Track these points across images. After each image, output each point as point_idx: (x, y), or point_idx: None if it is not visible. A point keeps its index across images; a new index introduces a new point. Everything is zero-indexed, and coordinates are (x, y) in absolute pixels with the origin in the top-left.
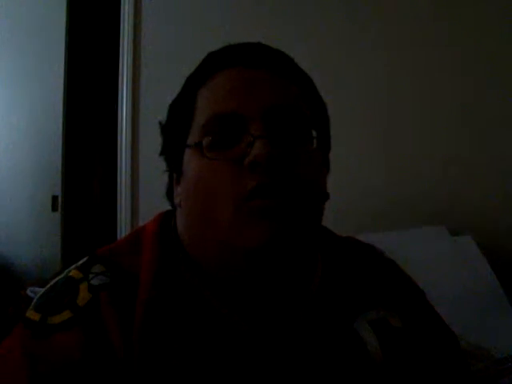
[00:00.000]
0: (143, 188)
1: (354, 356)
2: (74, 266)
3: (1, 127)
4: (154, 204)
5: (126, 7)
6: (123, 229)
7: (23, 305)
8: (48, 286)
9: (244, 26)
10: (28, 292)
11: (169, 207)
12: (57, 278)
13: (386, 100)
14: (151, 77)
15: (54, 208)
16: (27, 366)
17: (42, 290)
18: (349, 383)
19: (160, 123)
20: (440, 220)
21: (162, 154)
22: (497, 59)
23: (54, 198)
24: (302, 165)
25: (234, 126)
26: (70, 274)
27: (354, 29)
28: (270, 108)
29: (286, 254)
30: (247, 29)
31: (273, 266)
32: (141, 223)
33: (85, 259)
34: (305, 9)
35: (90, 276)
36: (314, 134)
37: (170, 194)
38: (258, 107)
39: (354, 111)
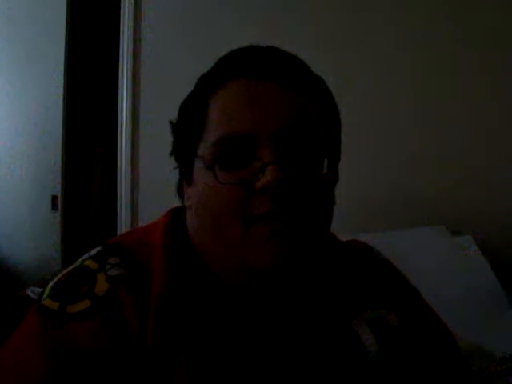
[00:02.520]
0: (143, 188)
1: (352, 355)
2: (87, 256)
3: (1, 127)
4: (154, 204)
5: (126, 6)
6: (123, 229)
7: (21, 306)
8: (61, 275)
9: (245, 25)
10: (28, 292)
11: (169, 206)
12: (70, 268)
13: (386, 99)
14: (151, 76)
15: (54, 208)
16: (45, 359)
17: (54, 279)
18: (347, 381)
19: (171, 122)
20: (440, 220)
21: (172, 154)
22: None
23: (54, 198)
24: (311, 191)
25: (245, 148)
26: (86, 263)
27: (351, 25)
28: (280, 131)
29: (295, 273)
30: (248, 28)
31: (280, 285)
32: (141, 223)
33: (98, 249)
34: (307, 6)
35: (107, 267)
36: (326, 161)
37: (180, 192)
38: (269, 129)
39: (353, 110)
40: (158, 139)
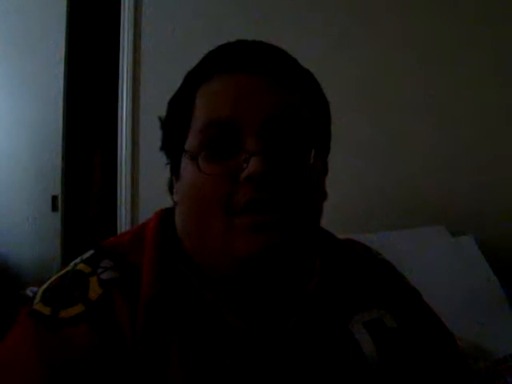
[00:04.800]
0: (143, 187)
1: (348, 357)
2: (79, 260)
3: (0, 127)
4: (153, 203)
5: (126, 6)
6: (123, 228)
7: (21, 305)
8: (53, 278)
9: (244, 24)
10: (28, 292)
11: (169, 205)
12: (63, 271)
13: (386, 99)
14: (151, 75)
15: (54, 208)
16: (39, 364)
17: (46, 284)
18: None
19: (160, 118)
20: (440, 220)
21: (162, 149)
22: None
23: (54, 198)
24: (297, 181)
25: (230, 138)
26: (78, 267)
27: (355, 26)
28: (267, 120)
29: (278, 264)
30: (247, 28)
31: (265, 274)
32: (141, 222)
33: (91, 252)
34: (304, 7)
35: (99, 270)
36: (313, 151)
37: (171, 188)
38: (255, 119)
39: (353, 110)
40: (158, 139)
